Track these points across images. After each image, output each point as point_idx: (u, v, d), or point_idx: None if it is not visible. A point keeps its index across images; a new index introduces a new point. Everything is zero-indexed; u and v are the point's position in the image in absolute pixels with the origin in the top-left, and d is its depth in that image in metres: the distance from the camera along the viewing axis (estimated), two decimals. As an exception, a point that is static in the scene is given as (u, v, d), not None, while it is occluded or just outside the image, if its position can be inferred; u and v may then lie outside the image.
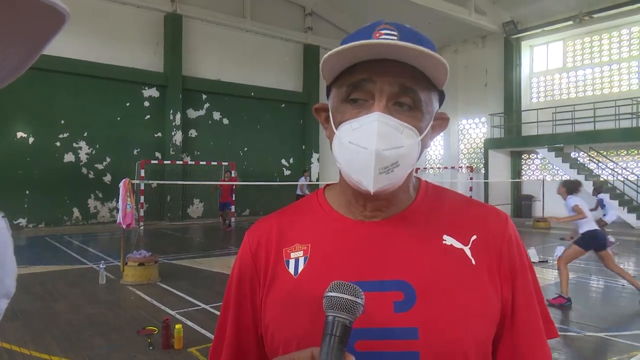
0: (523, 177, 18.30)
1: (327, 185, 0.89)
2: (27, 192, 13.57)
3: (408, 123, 0.72)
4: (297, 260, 0.78)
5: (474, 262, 0.76)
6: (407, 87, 0.71)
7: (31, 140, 13.70)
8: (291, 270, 0.78)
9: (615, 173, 15.57)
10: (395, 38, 0.71)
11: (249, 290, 0.82)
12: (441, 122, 0.81)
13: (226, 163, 15.74)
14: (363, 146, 0.71)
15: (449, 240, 0.77)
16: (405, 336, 0.70)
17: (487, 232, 0.79)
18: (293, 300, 0.75)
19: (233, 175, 14.64)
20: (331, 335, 0.60)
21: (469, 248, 0.77)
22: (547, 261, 8.39)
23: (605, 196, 11.20)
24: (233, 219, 15.29)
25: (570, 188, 6.36)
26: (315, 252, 0.78)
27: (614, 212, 10.97)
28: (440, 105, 0.80)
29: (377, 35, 0.72)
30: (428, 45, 0.71)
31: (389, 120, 0.70)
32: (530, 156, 18.22)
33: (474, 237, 0.78)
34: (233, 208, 15.50)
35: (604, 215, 10.68)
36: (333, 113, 0.77)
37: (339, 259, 0.76)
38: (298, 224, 0.83)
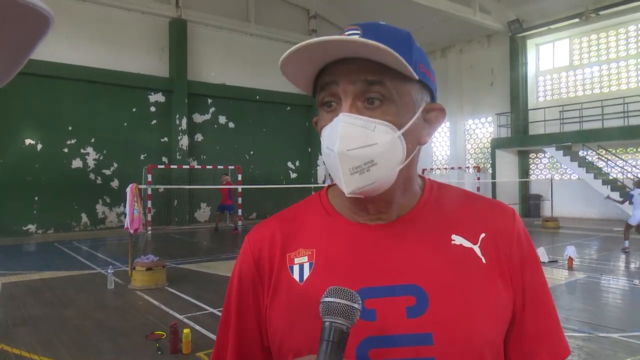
0: (531, 177, 18.18)
1: (330, 185, 0.86)
2: (36, 198, 13.68)
3: (380, 119, 0.70)
4: (301, 266, 0.76)
5: (484, 260, 0.74)
6: (371, 80, 0.69)
7: (39, 146, 13.81)
8: (296, 276, 0.76)
9: (625, 171, 15.42)
10: (358, 36, 0.70)
11: (252, 297, 0.79)
12: (436, 113, 0.78)
13: (232, 167, 15.77)
14: (331, 149, 0.70)
15: (458, 239, 0.75)
16: (420, 342, 0.68)
17: (495, 229, 0.77)
18: (300, 307, 0.73)
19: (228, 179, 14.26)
20: (328, 341, 0.59)
21: (479, 247, 0.75)
22: (556, 261, 8.30)
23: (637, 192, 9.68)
24: (240, 223, 15.29)
25: None
26: (321, 257, 0.76)
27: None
28: (433, 97, 0.78)
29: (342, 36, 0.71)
30: (391, 36, 0.70)
31: (354, 120, 0.69)
32: (538, 155, 18.09)
33: (483, 234, 0.76)
34: (240, 212, 15.51)
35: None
36: (318, 121, 0.77)
37: (345, 265, 0.74)
38: (301, 227, 0.81)
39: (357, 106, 0.70)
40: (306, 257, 0.76)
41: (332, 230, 0.78)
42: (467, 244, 0.75)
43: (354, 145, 0.68)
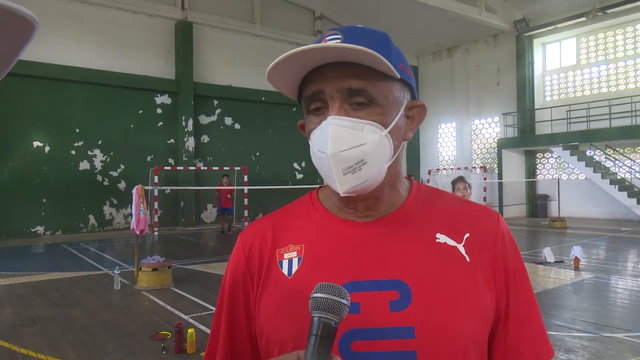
0: (538, 177, 18.07)
1: (321, 186, 0.88)
2: (44, 200, 13.80)
3: (367, 119, 0.72)
4: (290, 261, 0.78)
5: (468, 259, 0.75)
6: (355, 88, 0.71)
7: (47, 149, 13.94)
8: (285, 271, 0.78)
9: (633, 171, 15.29)
10: (339, 40, 0.72)
11: (242, 292, 0.81)
12: (417, 110, 0.80)
13: (238, 168, 15.83)
14: (323, 151, 0.72)
15: (442, 238, 0.77)
16: (402, 335, 0.69)
17: (479, 230, 0.78)
18: (288, 301, 0.75)
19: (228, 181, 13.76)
20: (316, 336, 0.61)
21: (463, 245, 0.76)
22: (562, 261, 8.26)
23: None
24: (246, 224, 15.30)
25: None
26: (309, 252, 0.78)
27: None
28: (413, 94, 0.80)
29: (323, 42, 0.73)
30: (371, 38, 0.72)
31: (343, 122, 0.71)
32: (545, 155, 17.98)
33: (467, 235, 0.78)
34: (246, 212, 15.55)
35: None
36: (305, 125, 0.79)
37: (333, 260, 0.76)
38: (292, 225, 0.83)
39: (344, 108, 0.72)
40: (295, 252, 0.79)
41: (321, 227, 0.81)
42: (451, 242, 0.77)
43: (345, 146, 0.70)
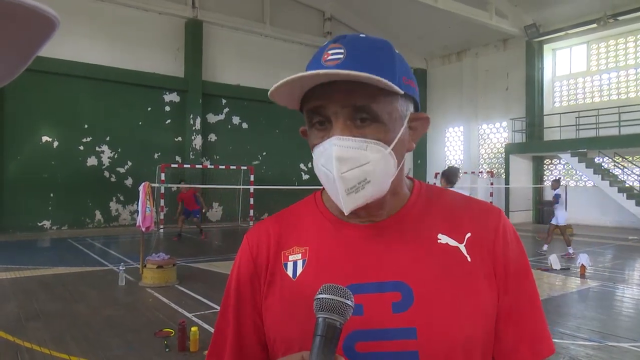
0: (545, 183, 17.97)
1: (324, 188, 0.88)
2: (52, 194, 13.90)
3: (371, 137, 0.72)
4: (295, 263, 0.79)
5: (469, 259, 0.76)
6: (359, 105, 0.71)
7: (56, 144, 14.04)
8: (290, 273, 0.79)
9: (642, 179, 15.17)
10: (342, 56, 0.71)
11: (250, 293, 0.82)
12: (420, 122, 0.80)
13: (245, 167, 15.87)
14: (329, 169, 0.72)
15: (443, 239, 0.78)
16: (404, 336, 0.71)
17: (481, 229, 0.79)
18: (293, 302, 0.76)
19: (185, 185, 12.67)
20: (320, 336, 0.62)
21: (464, 246, 0.77)
22: (568, 268, 8.20)
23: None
24: (250, 223, 15.34)
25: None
26: (314, 255, 0.79)
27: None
28: (416, 106, 0.80)
29: (326, 56, 0.73)
30: (375, 54, 0.72)
31: (347, 142, 0.71)
32: (553, 161, 17.88)
33: (469, 234, 0.78)
34: (252, 212, 15.57)
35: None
36: (309, 138, 0.79)
37: (337, 262, 0.77)
38: (296, 226, 0.84)
39: (348, 126, 0.72)
40: (300, 254, 0.80)
41: (325, 229, 0.82)
42: (452, 242, 0.77)
43: (348, 167, 0.71)
